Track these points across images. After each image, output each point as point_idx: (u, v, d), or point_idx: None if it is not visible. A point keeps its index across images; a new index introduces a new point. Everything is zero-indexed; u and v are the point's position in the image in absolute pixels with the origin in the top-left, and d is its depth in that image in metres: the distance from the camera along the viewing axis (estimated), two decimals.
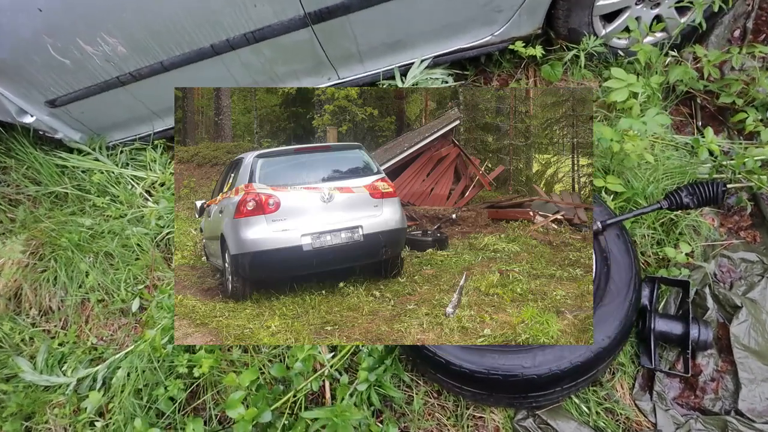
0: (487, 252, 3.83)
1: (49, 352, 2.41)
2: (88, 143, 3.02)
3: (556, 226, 4.61)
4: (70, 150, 3.05)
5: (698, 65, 2.57)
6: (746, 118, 2.29)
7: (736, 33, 2.85)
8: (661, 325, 1.84)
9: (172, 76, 2.58)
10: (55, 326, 2.58)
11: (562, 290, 2.67)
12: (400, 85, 2.65)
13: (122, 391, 2.16)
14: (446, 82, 2.70)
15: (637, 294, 1.79)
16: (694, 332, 1.79)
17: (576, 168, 8.72)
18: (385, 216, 2.82)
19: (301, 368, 1.93)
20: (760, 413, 1.75)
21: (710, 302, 1.94)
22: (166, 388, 2.08)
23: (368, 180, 2.88)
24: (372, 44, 2.56)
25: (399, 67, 2.69)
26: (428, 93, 10.07)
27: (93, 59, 2.46)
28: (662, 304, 1.99)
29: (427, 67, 2.65)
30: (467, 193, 6.24)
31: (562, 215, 4.76)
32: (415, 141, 6.19)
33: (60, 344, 2.47)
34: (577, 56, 2.66)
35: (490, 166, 7.66)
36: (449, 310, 2.40)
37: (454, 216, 5.06)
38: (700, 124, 2.51)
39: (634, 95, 2.01)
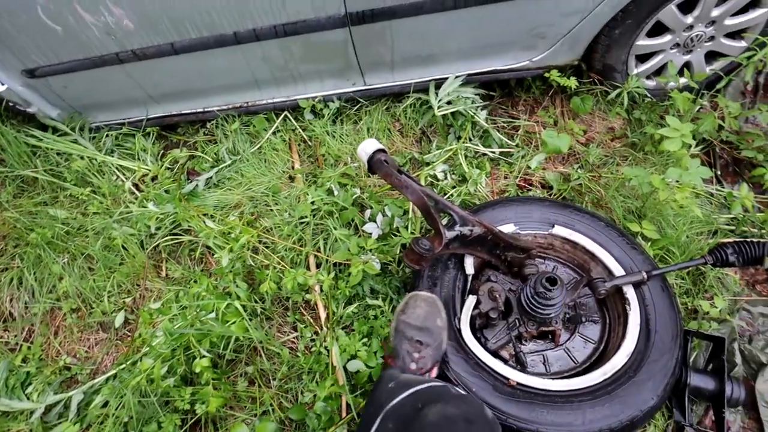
0: None
1: (10, 370, 2.03)
2: (66, 122, 2.62)
3: None
4: (44, 127, 2.62)
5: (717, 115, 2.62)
6: (765, 173, 2.35)
7: (749, 87, 2.95)
8: (695, 380, 1.83)
9: (181, 61, 2.28)
10: (16, 336, 2.19)
11: None
12: (433, 100, 2.50)
13: (101, 423, 1.87)
14: (474, 102, 2.58)
15: (682, 351, 1.77)
16: (728, 390, 1.80)
17: None
18: None
19: (324, 408, 1.74)
20: None
21: (738, 358, 1.96)
22: (160, 424, 1.78)
23: None
24: (406, 54, 2.41)
25: (431, 80, 2.55)
26: None
27: (91, 30, 2.12)
28: (692, 358, 1.99)
29: (459, 85, 2.53)
30: None
31: None
32: None
33: (23, 360, 2.11)
34: (607, 92, 2.65)
35: None
36: None
37: None
38: (719, 173, 2.56)
39: (686, 145, 1.99)
